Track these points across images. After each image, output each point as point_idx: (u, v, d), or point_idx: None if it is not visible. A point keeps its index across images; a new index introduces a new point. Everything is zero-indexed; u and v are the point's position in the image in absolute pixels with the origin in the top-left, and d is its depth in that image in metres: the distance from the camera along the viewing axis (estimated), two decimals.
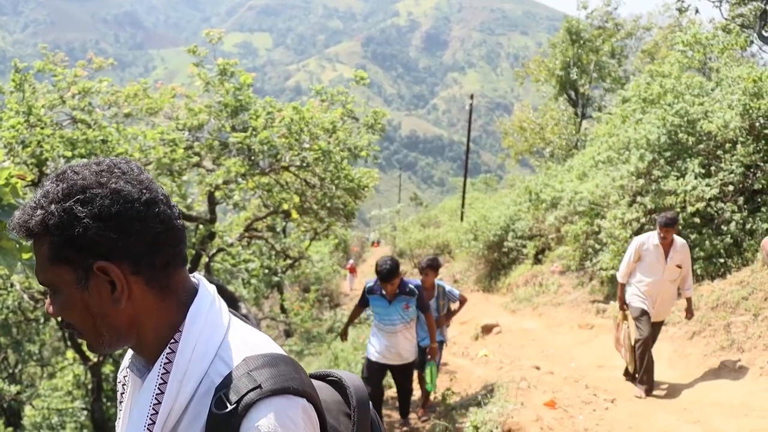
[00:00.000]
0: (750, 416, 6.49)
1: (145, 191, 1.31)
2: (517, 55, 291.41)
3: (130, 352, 1.50)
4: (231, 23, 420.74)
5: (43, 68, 9.12)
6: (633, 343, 8.06)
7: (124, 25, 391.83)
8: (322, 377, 1.65)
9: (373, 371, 6.96)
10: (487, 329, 13.13)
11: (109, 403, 15.39)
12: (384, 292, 6.65)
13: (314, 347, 17.37)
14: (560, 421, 6.71)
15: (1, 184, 3.05)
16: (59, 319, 1.40)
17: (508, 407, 6.72)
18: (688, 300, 8.08)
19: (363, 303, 7.06)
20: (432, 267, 8.13)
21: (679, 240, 7.83)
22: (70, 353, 16.47)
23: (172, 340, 1.35)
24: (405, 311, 6.73)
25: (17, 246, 3.16)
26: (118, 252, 1.28)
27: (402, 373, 7.22)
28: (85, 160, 1.39)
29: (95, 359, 12.39)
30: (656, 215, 11.62)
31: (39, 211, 1.27)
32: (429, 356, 7.27)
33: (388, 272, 6.45)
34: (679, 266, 7.76)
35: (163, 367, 1.33)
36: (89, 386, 15.02)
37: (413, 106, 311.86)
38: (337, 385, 1.62)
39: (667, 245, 7.69)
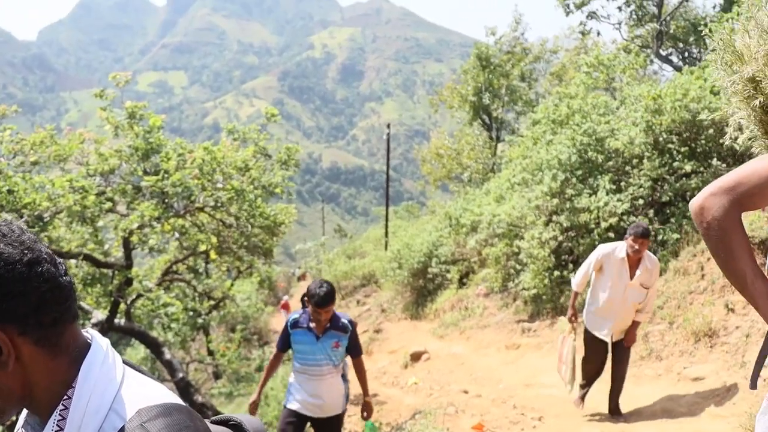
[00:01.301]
0: (671, 421, 6.67)
1: (26, 252, 1.29)
2: (432, 82, 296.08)
3: (24, 411, 1.48)
4: (145, 62, 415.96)
5: None
6: (574, 358, 7.41)
7: (33, 68, 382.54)
8: (223, 422, 1.64)
9: (291, 423, 5.86)
10: (416, 357, 13.16)
11: None
12: (312, 325, 5.64)
13: (243, 387, 17.11)
14: None
15: None
16: None
17: None
18: (634, 323, 7.11)
19: (284, 345, 5.84)
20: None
21: (650, 256, 7.02)
22: None
23: (65, 397, 1.33)
24: (334, 351, 5.71)
25: None
26: (3, 315, 1.26)
27: (326, 428, 6.00)
28: None
29: (7, 422, 11.90)
30: (572, 232, 11.95)
31: None
32: (365, 414, 6.10)
33: (326, 294, 5.48)
34: (645, 287, 6.94)
35: (57, 425, 1.31)
36: None
37: (333, 137, 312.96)
38: (237, 428, 1.61)
39: (635, 261, 6.89)
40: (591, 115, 12.80)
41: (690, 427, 6.40)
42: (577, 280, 7.25)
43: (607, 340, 7.10)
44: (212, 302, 17.66)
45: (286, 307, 31.19)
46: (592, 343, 7.27)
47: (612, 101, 13.69)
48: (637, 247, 6.74)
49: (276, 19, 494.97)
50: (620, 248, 6.93)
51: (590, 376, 7.44)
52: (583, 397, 7.53)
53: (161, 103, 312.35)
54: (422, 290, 19.32)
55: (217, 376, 20.60)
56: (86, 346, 1.40)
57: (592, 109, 13.12)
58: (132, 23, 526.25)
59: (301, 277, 49.51)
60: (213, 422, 1.60)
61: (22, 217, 7.74)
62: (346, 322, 5.74)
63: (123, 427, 1.30)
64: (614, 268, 6.90)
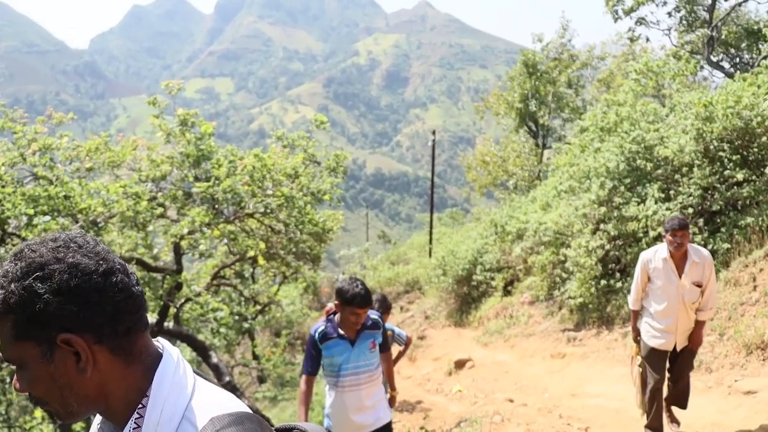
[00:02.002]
0: None
1: (101, 262, 1.34)
2: (477, 89, 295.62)
3: (98, 418, 1.53)
4: (192, 69, 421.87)
5: (2, 126, 9.09)
6: (643, 382, 6.85)
7: (84, 75, 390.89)
8: (287, 430, 1.68)
9: None
10: (460, 364, 13.13)
11: None
12: (342, 332, 5.10)
13: (288, 392, 17.22)
14: None
15: None
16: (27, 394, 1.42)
17: None
18: (699, 324, 6.50)
19: (314, 367, 5.18)
20: (386, 309, 7.10)
21: (697, 250, 6.40)
22: (38, 412, 16.16)
23: (140, 405, 1.38)
24: (371, 353, 5.20)
25: None
26: (80, 323, 1.31)
27: None
28: (43, 235, 1.43)
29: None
30: (619, 241, 11.83)
31: (0, 291, 1.31)
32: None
33: (367, 292, 4.99)
34: (697, 284, 6.31)
35: None
36: None
37: (377, 144, 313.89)
38: None
39: (679, 257, 6.31)
40: (640, 123, 12.65)
41: None
42: (631, 297, 6.76)
43: (668, 348, 6.54)
44: (258, 307, 17.84)
45: (330, 312, 31.25)
46: (654, 356, 6.66)
47: (661, 108, 13.51)
48: (676, 241, 6.17)
49: (321, 27, 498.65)
50: (661, 249, 6.44)
51: (653, 396, 6.72)
52: (672, 418, 7.10)
53: (208, 110, 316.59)
54: (466, 297, 19.26)
55: (261, 380, 20.75)
56: (158, 355, 1.46)
57: (640, 117, 12.97)
58: (180, 31, 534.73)
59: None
60: (278, 430, 1.64)
61: (77, 221, 7.93)
62: (376, 317, 5.32)
63: None
64: (660, 271, 6.37)
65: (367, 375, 5.19)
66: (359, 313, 4.99)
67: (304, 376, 5.17)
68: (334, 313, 5.24)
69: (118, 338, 1.36)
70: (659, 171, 11.66)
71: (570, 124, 27.94)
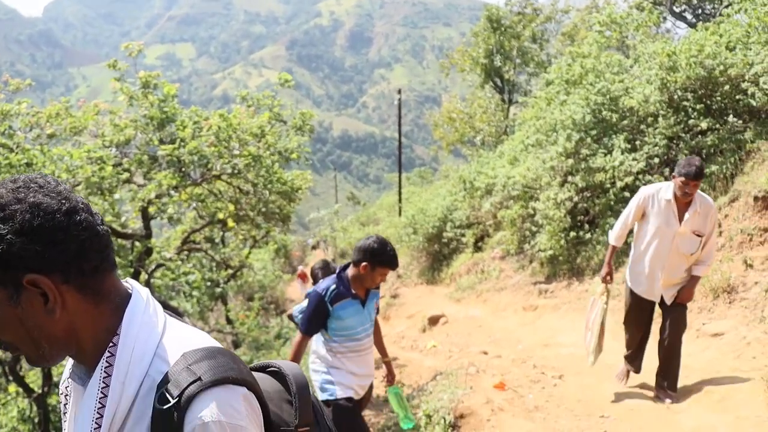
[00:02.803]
0: (691, 377, 6.67)
1: (64, 201, 1.32)
2: (441, 47, 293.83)
3: (69, 362, 1.52)
4: (152, 35, 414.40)
5: None
6: (603, 325, 6.53)
7: (40, 44, 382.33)
8: (261, 368, 1.68)
9: (354, 415, 4.96)
10: (433, 320, 13.23)
11: None
12: (355, 291, 4.83)
13: (263, 355, 17.26)
14: (510, 402, 6.82)
15: None
16: None
17: (458, 393, 6.81)
18: (693, 279, 6.04)
19: (316, 327, 4.84)
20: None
21: (704, 198, 5.90)
22: (12, 387, 16.02)
23: (111, 344, 1.37)
24: (374, 313, 5.10)
25: None
26: (46, 263, 1.29)
27: (364, 401, 5.29)
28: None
29: (39, 391, 12.07)
30: (587, 192, 11.92)
31: None
32: (388, 379, 5.47)
33: (395, 251, 4.79)
34: (697, 234, 5.83)
35: (104, 371, 1.35)
36: (35, 419, 14.65)
37: (343, 105, 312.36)
38: (277, 374, 1.65)
39: (684, 204, 5.82)
40: (604, 74, 12.70)
41: (710, 383, 6.42)
42: (615, 231, 6.26)
43: (654, 299, 6.17)
44: (230, 271, 17.79)
45: (303, 276, 31.14)
46: (636, 305, 6.32)
47: (625, 60, 13.56)
48: (687, 191, 5.66)
49: None
50: (665, 189, 5.89)
51: (635, 343, 6.55)
52: (630, 371, 6.82)
53: (170, 76, 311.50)
54: (438, 255, 19.38)
55: (236, 344, 20.79)
56: (127, 295, 1.44)
57: (605, 68, 13.01)
58: None
59: (315, 246, 49.66)
60: (252, 369, 1.64)
61: None
62: None
63: (169, 370, 1.34)
64: (659, 212, 5.88)
65: (371, 337, 5.10)
66: (387, 272, 4.85)
67: (300, 335, 4.83)
68: (343, 270, 4.92)
69: (86, 277, 1.35)
70: (625, 122, 11.73)
71: (535, 78, 27.98)
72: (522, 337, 10.62)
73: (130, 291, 1.46)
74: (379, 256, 4.71)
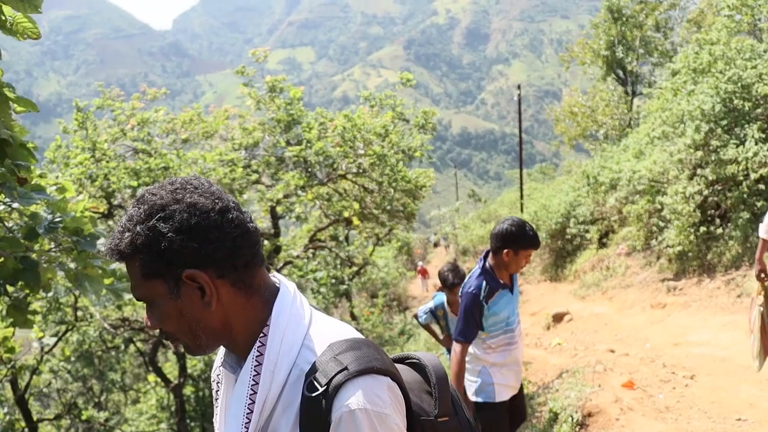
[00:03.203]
0: None
1: (217, 201, 1.42)
2: (560, 40, 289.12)
3: (221, 352, 1.64)
4: (273, 41, 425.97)
5: (102, 105, 9.47)
6: (764, 326, 5.76)
7: (170, 55, 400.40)
8: (401, 360, 1.75)
9: (503, 414, 4.71)
10: (558, 318, 13.07)
11: (192, 424, 15.77)
12: (503, 280, 4.55)
13: (388, 350, 17.48)
14: (640, 401, 6.68)
15: (80, 217, 3.24)
16: (159, 330, 1.53)
17: (586, 391, 6.72)
18: None
19: (477, 325, 4.50)
20: (462, 279, 5.83)
21: None
22: (151, 377, 16.92)
23: (261, 335, 1.47)
24: (518, 294, 4.83)
25: (101, 272, 3.36)
26: (202, 259, 1.40)
27: (520, 396, 4.97)
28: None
29: (176, 381, 12.70)
30: (718, 186, 11.48)
31: (127, 234, 1.40)
32: None
33: (535, 232, 4.52)
34: None
35: (255, 360, 1.45)
36: (172, 408, 15.43)
37: (461, 103, 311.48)
38: (417, 366, 1.72)
39: None
40: (735, 61, 12.17)
41: None
42: (765, 223, 5.52)
43: None
44: (354, 269, 18.10)
45: (423, 272, 31.34)
46: None
47: (758, 44, 12.95)
48: None
49: None
50: None
51: None
52: None
53: (291, 79, 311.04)
54: (561, 251, 19.11)
55: None
56: (275, 289, 1.54)
57: (736, 55, 12.46)
58: (258, 4, 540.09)
59: (437, 243, 49.77)
60: (392, 360, 1.70)
61: None
62: None
63: (317, 360, 1.42)
64: None
65: (520, 322, 4.82)
66: (530, 255, 4.57)
67: (460, 347, 4.45)
68: (484, 261, 4.60)
69: (238, 272, 1.44)
70: (759, 110, 11.23)
71: (660, 68, 27.04)
72: (650, 335, 10.34)
73: (278, 285, 1.55)
74: (520, 239, 4.44)
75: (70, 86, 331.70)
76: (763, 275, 5.60)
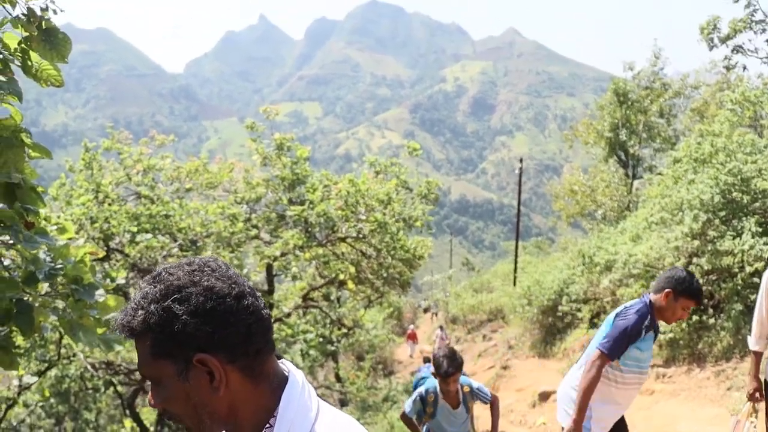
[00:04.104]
0: None
1: (234, 286, 1.42)
2: (564, 117, 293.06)
3: None
4: (281, 93, 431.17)
5: (110, 147, 9.55)
6: None
7: (179, 98, 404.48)
8: None
9: None
10: (544, 396, 12.94)
11: None
12: (657, 324, 4.49)
13: (370, 416, 17.29)
14: None
15: (80, 264, 3.25)
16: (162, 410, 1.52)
17: None
18: None
19: (624, 348, 4.35)
20: (459, 369, 5.16)
21: None
22: (128, 422, 16.67)
23: (268, 425, 1.46)
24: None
25: (94, 322, 3.35)
26: (215, 344, 1.39)
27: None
28: (178, 260, 1.53)
29: (153, 429, 12.53)
30: (713, 276, 11.51)
31: (140, 312, 1.40)
32: None
33: (701, 286, 4.39)
34: None
35: None
36: None
37: (462, 170, 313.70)
38: None
39: None
40: (736, 154, 12.32)
41: None
42: (752, 334, 4.92)
43: None
44: (344, 330, 18.00)
45: (412, 337, 31.24)
46: None
47: (759, 140, 13.13)
48: None
49: (409, 53, 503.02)
50: None
51: None
52: None
53: (296, 133, 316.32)
54: (551, 328, 19.00)
55: (343, 403, 20.90)
56: (284, 377, 1.53)
57: (737, 148, 12.63)
58: (271, 56, 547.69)
59: (427, 309, 49.60)
60: None
61: (176, 240, 8.23)
62: None
63: None
64: None
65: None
66: (689, 308, 4.44)
67: (601, 360, 4.32)
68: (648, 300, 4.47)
69: (249, 359, 1.44)
70: (757, 204, 11.33)
71: (661, 154, 27.35)
72: (637, 421, 10.24)
73: (286, 373, 1.54)
74: (686, 285, 4.28)
75: (78, 119, 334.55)
76: (756, 394, 4.93)
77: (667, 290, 4.33)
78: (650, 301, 4.43)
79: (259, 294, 1.51)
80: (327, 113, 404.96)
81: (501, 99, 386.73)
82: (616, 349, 4.31)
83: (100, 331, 3.43)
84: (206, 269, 1.44)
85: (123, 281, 5.57)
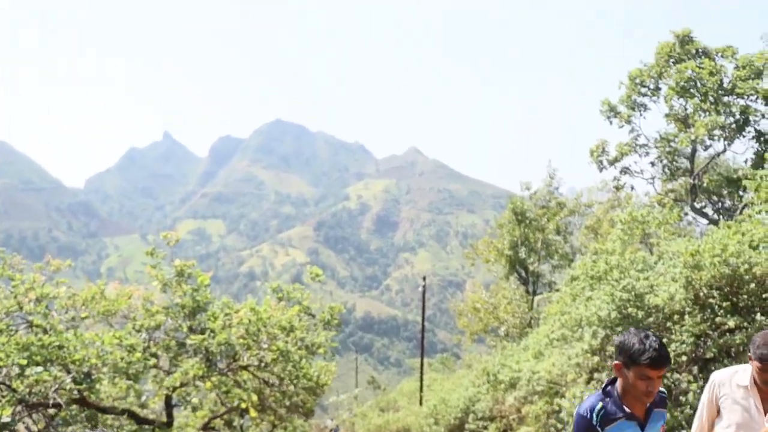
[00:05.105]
0: None
1: None
2: (465, 233, 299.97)
3: None
4: (185, 210, 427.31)
5: (1, 274, 9.17)
6: None
7: (78, 214, 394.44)
8: None
9: None
10: None
11: None
12: (629, 409, 3.71)
13: None
14: None
15: None
16: None
17: None
18: None
19: None
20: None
21: None
22: None
23: None
24: None
25: None
26: None
27: None
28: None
29: None
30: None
31: None
32: None
33: (664, 349, 3.59)
34: None
35: None
36: None
37: (366, 287, 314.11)
38: None
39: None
40: (629, 271, 12.79)
41: None
42: None
43: None
44: None
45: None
46: None
47: (650, 256, 13.72)
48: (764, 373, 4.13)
49: (313, 171, 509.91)
50: (741, 373, 4.41)
51: None
52: None
53: (198, 251, 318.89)
54: None
55: None
56: None
57: (629, 265, 13.13)
58: (174, 173, 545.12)
59: (334, 430, 48.53)
60: None
61: (69, 372, 7.86)
62: (664, 391, 3.94)
63: None
64: (739, 404, 4.35)
65: None
66: (652, 377, 3.58)
67: None
68: (611, 384, 3.83)
69: None
70: (651, 319, 11.68)
71: (560, 270, 28.20)
72: None
73: None
74: (631, 351, 3.58)
75: None
76: None
77: (615, 363, 3.76)
78: (615, 388, 3.78)
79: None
80: (230, 231, 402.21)
81: (404, 216, 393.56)
82: None
83: None
84: None
85: (8, 419, 5.25)
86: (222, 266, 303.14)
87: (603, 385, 3.83)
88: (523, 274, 29.19)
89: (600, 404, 3.70)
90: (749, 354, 4.19)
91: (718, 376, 4.54)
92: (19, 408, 7.54)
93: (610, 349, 11.66)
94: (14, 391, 7.48)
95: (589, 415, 3.70)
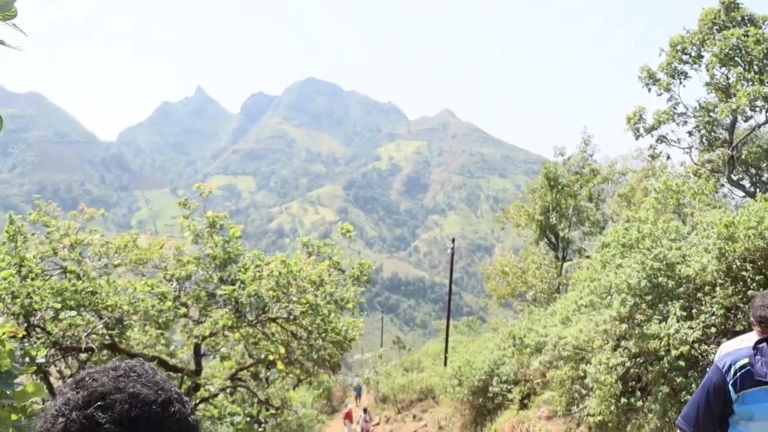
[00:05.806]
0: None
1: (160, 392, 1.36)
2: (496, 197, 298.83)
3: None
4: (215, 166, 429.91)
5: (37, 220, 9.29)
6: None
7: (111, 167, 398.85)
8: None
9: None
10: None
11: None
12: None
13: None
14: None
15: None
16: None
17: None
18: None
19: (714, 419, 3.13)
20: None
21: None
22: None
23: None
24: None
25: (9, 410, 3.18)
26: None
27: None
28: (106, 365, 1.43)
29: None
30: (640, 359, 11.66)
31: (60, 419, 1.30)
32: None
33: None
34: None
35: None
36: None
37: (394, 248, 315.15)
38: None
39: None
40: (661, 240, 12.65)
41: None
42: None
43: None
44: (272, 411, 17.58)
45: (348, 416, 30.62)
46: None
47: (683, 227, 13.55)
48: None
49: (344, 131, 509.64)
50: (748, 340, 3.75)
51: None
52: None
53: (229, 206, 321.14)
54: (482, 409, 18.93)
55: None
56: None
57: (662, 234, 12.98)
58: (206, 129, 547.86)
59: (356, 389, 49.02)
60: None
61: (101, 318, 7.98)
62: None
63: None
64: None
65: None
66: None
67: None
68: (766, 341, 3.19)
69: None
70: (681, 289, 11.58)
71: (590, 237, 27.99)
72: None
73: None
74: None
75: (2, 184, 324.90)
76: None
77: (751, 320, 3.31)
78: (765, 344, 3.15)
79: (186, 399, 1.45)
80: (261, 187, 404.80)
81: (434, 178, 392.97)
82: (688, 418, 3.23)
83: (14, 417, 3.26)
84: (132, 375, 1.37)
85: (43, 360, 5.35)
86: (251, 222, 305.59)
87: (755, 343, 3.13)
88: (553, 239, 29.02)
89: (746, 359, 3.05)
90: (750, 318, 3.81)
91: (725, 347, 4.30)
92: (53, 351, 7.69)
93: (639, 317, 11.59)
94: (49, 333, 7.63)
95: (726, 369, 3.08)
